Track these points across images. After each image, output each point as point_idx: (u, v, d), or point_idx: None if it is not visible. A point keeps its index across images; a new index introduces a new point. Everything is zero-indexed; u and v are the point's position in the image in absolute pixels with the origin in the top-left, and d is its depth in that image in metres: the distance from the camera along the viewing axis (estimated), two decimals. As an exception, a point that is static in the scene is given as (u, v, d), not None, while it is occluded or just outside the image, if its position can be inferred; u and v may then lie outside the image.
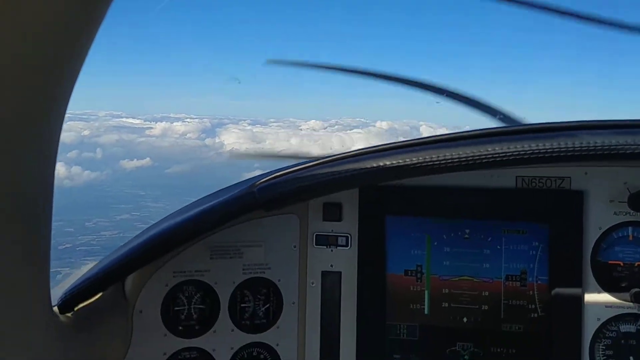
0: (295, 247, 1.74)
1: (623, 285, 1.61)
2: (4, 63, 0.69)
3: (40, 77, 0.77)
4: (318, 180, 1.45)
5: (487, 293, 1.67)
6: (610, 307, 1.61)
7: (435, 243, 1.69)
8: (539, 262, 1.64)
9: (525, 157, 1.35)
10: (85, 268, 1.59)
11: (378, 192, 1.70)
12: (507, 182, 1.67)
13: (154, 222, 1.71)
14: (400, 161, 1.40)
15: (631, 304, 1.59)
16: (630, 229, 1.62)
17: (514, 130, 1.48)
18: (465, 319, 1.68)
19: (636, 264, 1.61)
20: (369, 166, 1.42)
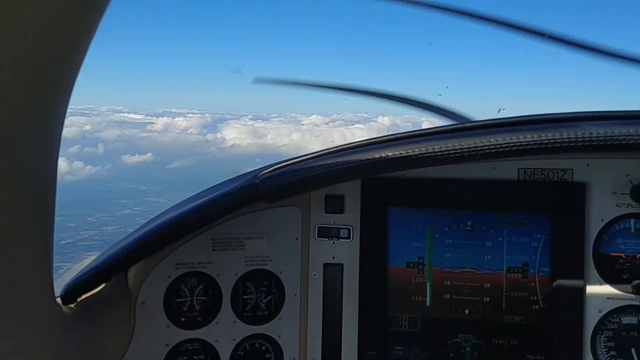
0: (297, 239, 1.75)
1: (625, 277, 1.61)
2: (4, 63, 0.69)
3: (40, 77, 0.77)
4: (320, 171, 1.44)
5: (488, 285, 1.67)
6: (612, 299, 1.61)
7: (437, 235, 1.69)
8: (540, 254, 1.64)
9: (528, 147, 1.35)
10: (87, 263, 1.59)
11: (380, 184, 1.70)
12: (509, 174, 1.67)
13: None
14: (403, 152, 1.39)
15: (633, 295, 1.59)
16: (632, 221, 1.62)
17: (517, 121, 1.48)
18: (466, 311, 1.68)
19: (638, 255, 1.61)
20: (371, 157, 1.41)
